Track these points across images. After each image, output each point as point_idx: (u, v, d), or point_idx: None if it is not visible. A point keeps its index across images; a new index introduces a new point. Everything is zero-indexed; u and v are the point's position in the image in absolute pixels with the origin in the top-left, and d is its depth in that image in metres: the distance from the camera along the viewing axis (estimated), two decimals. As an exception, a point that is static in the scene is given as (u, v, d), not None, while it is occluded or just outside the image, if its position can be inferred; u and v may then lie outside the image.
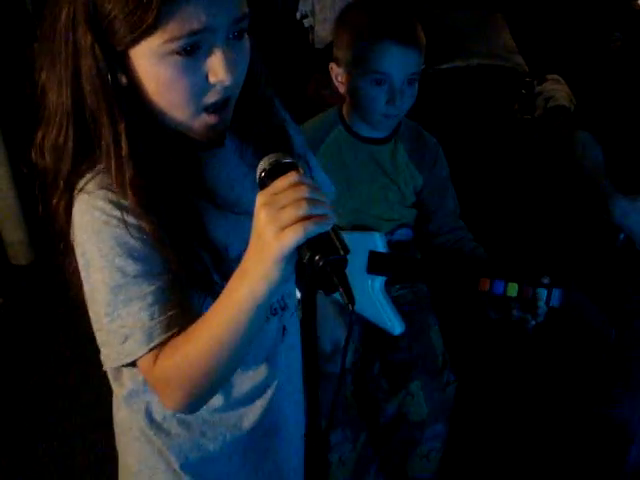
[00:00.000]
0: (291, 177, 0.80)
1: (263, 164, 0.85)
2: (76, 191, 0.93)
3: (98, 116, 0.90)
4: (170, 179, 0.93)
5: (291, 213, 0.77)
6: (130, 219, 0.90)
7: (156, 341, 0.90)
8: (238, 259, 0.85)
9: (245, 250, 0.83)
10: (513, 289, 1.38)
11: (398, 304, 1.67)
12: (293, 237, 0.76)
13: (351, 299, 0.79)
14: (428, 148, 1.72)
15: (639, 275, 1.77)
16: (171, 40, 0.85)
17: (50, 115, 0.93)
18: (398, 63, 1.52)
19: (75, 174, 0.93)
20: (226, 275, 0.88)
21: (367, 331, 1.73)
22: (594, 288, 1.75)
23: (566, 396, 2.00)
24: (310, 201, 0.78)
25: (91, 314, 0.95)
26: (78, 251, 0.94)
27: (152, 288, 0.91)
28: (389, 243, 1.63)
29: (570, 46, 3.01)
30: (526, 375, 2.22)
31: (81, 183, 0.93)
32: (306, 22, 3.34)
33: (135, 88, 0.91)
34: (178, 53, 0.86)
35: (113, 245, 0.90)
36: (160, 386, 0.93)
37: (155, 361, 0.91)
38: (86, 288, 0.94)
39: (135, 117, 0.91)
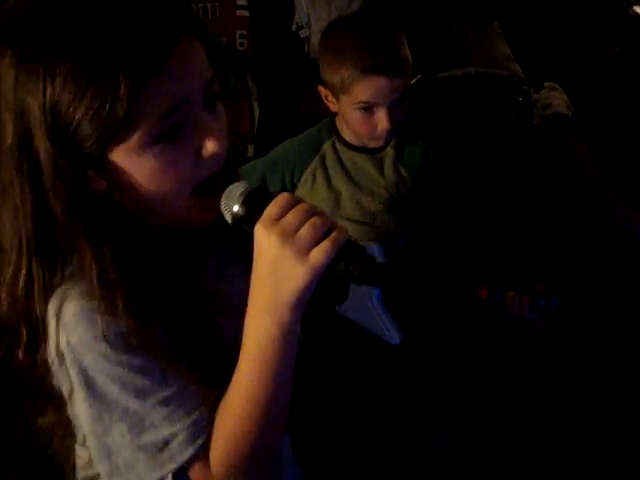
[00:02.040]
0: (285, 198, 0.76)
1: (230, 200, 0.80)
2: (59, 295, 0.81)
3: (75, 241, 0.80)
4: (169, 289, 0.84)
5: (310, 233, 0.73)
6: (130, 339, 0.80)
7: (203, 437, 0.81)
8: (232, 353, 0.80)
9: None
10: (511, 298, 1.37)
11: (397, 314, 1.67)
12: (325, 255, 0.72)
13: (404, 284, 0.77)
14: (422, 156, 1.74)
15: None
16: (149, 127, 0.76)
17: (4, 252, 0.81)
18: (385, 93, 1.53)
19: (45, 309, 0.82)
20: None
21: (366, 346, 1.72)
22: (602, 293, 1.74)
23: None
24: (319, 215, 0.75)
25: (97, 442, 0.82)
26: (70, 369, 0.81)
27: (181, 384, 0.81)
28: (386, 252, 1.62)
29: (567, 53, 3.00)
30: (536, 382, 2.20)
31: (59, 291, 0.81)
32: (302, 33, 3.34)
33: (115, 191, 0.82)
34: (160, 141, 0.77)
35: (126, 346, 0.79)
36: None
37: (207, 463, 0.81)
38: (88, 413, 0.81)
39: (118, 228, 0.81)
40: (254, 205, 0.78)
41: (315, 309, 0.84)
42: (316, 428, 1.68)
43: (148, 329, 0.80)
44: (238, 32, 3.41)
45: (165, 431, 0.80)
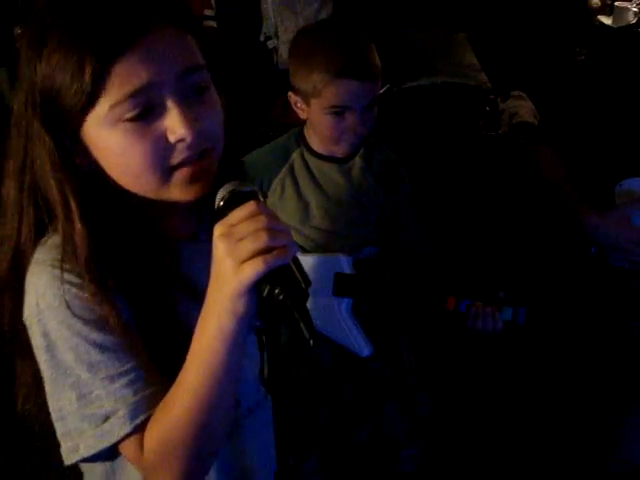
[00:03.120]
0: (250, 207, 0.77)
1: (221, 193, 0.82)
2: (36, 259, 0.88)
3: (53, 204, 0.86)
4: (143, 266, 0.88)
5: (250, 246, 0.74)
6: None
7: (141, 417, 0.83)
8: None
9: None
10: (478, 308, 1.37)
11: (367, 324, 1.66)
12: (252, 272, 0.73)
13: (313, 334, 0.74)
14: (390, 165, 1.73)
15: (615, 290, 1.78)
16: (116, 104, 0.81)
17: (6, 206, 0.90)
18: (356, 96, 1.54)
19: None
20: None
21: (337, 355, 1.71)
22: (569, 301, 1.75)
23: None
24: (269, 232, 0.75)
25: (52, 402, 0.87)
26: (36, 331, 0.86)
27: (133, 363, 0.85)
28: (356, 261, 1.62)
29: (533, 62, 3.04)
30: (501, 390, 2.21)
31: (37, 255, 0.88)
32: (270, 44, 3.35)
33: (97, 168, 0.87)
34: (129, 120, 0.82)
35: (87, 319, 0.84)
36: (155, 468, 0.85)
37: (141, 443, 0.84)
38: (46, 374, 0.86)
39: (98, 200, 0.86)
40: (231, 205, 0.79)
41: (267, 325, 0.84)
42: (288, 440, 1.67)
43: (109, 300, 0.84)
44: (206, 43, 3.41)
45: (108, 406, 0.83)
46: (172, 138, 0.84)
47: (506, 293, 1.35)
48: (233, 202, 0.80)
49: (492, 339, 1.35)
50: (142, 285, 0.88)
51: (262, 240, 0.74)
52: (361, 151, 1.69)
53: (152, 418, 0.84)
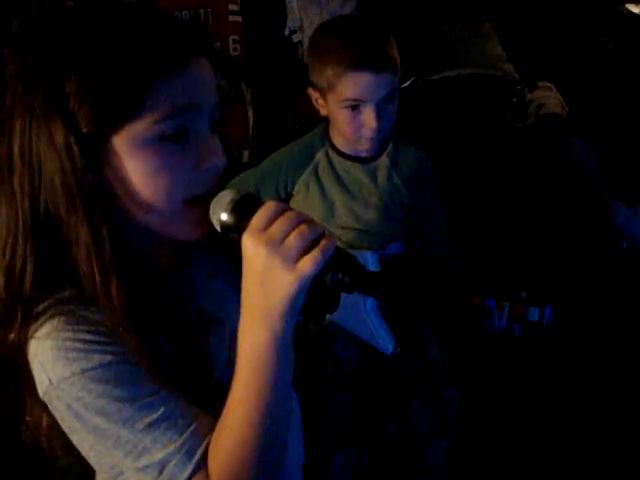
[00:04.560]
0: (271, 207, 0.76)
1: (219, 208, 0.79)
2: (35, 336, 0.81)
3: (73, 224, 0.80)
4: (159, 292, 0.85)
5: (298, 243, 0.73)
6: (115, 339, 0.80)
7: (198, 452, 0.81)
8: (221, 367, 0.82)
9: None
10: (503, 307, 1.36)
11: (393, 320, 1.66)
12: (312, 265, 0.72)
13: (398, 297, 0.76)
14: (417, 164, 1.71)
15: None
16: (158, 121, 0.78)
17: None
18: (371, 89, 1.50)
19: (34, 303, 0.82)
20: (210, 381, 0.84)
21: (364, 350, 1.71)
22: (599, 298, 1.73)
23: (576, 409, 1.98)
24: (308, 223, 0.74)
25: (101, 464, 0.84)
26: (58, 406, 0.82)
27: (168, 404, 0.81)
28: (382, 258, 1.61)
29: (560, 53, 2.99)
30: (530, 386, 2.19)
31: (42, 328, 0.81)
32: (295, 37, 3.34)
33: (112, 187, 0.82)
34: (164, 139, 0.80)
35: (106, 378, 0.79)
36: None
37: (207, 473, 0.81)
38: (85, 442, 0.82)
39: (112, 220, 0.82)
40: (242, 213, 0.77)
41: (306, 318, 0.84)
42: (315, 437, 1.68)
43: (135, 331, 0.80)
44: (231, 37, 3.41)
45: (160, 454, 0.80)
46: (204, 166, 0.83)
47: (532, 291, 1.33)
48: (241, 210, 0.78)
49: (514, 339, 1.34)
50: (166, 320, 0.84)
51: (306, 233, 0.73)
52: (388, 149, 1.67)
53: (211, 445, 0.81)
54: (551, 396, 2.08)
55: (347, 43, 1.51)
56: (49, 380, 0.80)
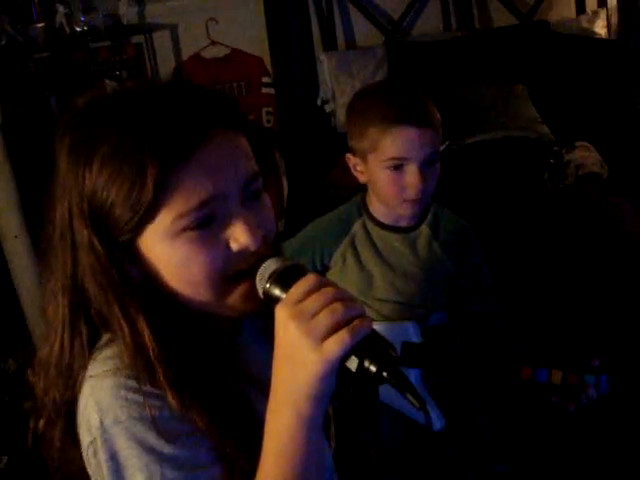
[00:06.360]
0: (310, 279, 0.73)
1: (265, 275, 0.78)
2: (91, 375, 0.82)
3: (111, 319, 0.81)
4: (207, 368, 0.84)
5: (328, 320, 0.69)
6: (168, 412, 0.79)
7: None
8: None
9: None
10: (557, 377, 1.28)
11: (438, 395, 1.59)
12: (338, 348, 0.68)
13: (421, 402, 0.70)
14: (459, 233, 1.65)
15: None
16: (180, 216, 0.78)
17: (49, 332, 0.85)
18: (415, 145, 1.46)
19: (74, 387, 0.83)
20: None
21: (409, 429, 1.64)
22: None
23: None
24: (343, 302, 0.70)
25: None
26: (102, 456, 0.78)
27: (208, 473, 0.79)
28: (425, 329, 1.55)
29: (596, 111, 2.97)
30: (585, 462, 2.08)
31: (91, 371, 0.82)
32: (327, 107, 3.38)
33: (150, 277, 0.83)
34: (192, 229, 0.79)
35: (160, 431, 0.77)
36: None
37: None
38: None
39: (155, 309, 0.82)
40: (283, 284, 0.75)
41: (340, 404, 0.79)
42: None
43: (189, 409, 0.79)
44: (264, 109, 3.48)
45: None
46: (236, 247, 0.81)
47: (588, 359, 1.25)
48: (283, 281, 0.75)
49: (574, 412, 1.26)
50: (216, 385, 0.83)
51: (339, 312, 0.69)
52: (428, 218, 1.62)
53: None
54: (608, 472, 1.97)
55: (390, 101, 1.49)
56: (101, 422, 0.77)
